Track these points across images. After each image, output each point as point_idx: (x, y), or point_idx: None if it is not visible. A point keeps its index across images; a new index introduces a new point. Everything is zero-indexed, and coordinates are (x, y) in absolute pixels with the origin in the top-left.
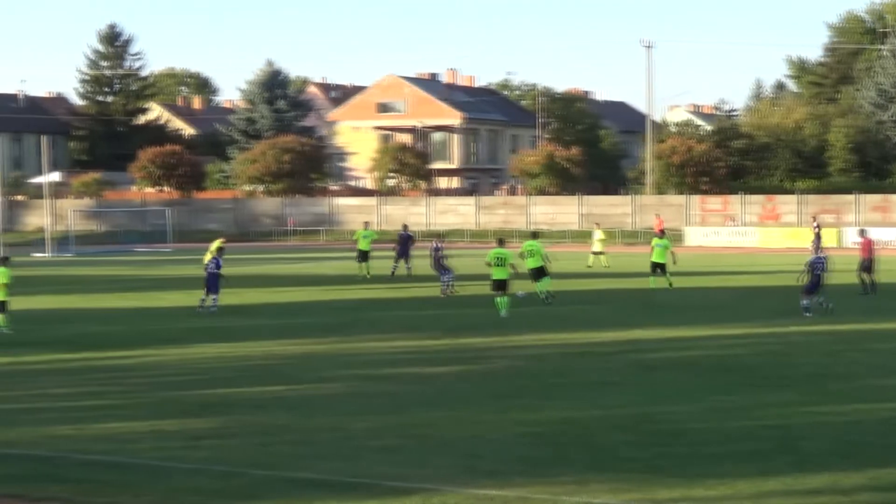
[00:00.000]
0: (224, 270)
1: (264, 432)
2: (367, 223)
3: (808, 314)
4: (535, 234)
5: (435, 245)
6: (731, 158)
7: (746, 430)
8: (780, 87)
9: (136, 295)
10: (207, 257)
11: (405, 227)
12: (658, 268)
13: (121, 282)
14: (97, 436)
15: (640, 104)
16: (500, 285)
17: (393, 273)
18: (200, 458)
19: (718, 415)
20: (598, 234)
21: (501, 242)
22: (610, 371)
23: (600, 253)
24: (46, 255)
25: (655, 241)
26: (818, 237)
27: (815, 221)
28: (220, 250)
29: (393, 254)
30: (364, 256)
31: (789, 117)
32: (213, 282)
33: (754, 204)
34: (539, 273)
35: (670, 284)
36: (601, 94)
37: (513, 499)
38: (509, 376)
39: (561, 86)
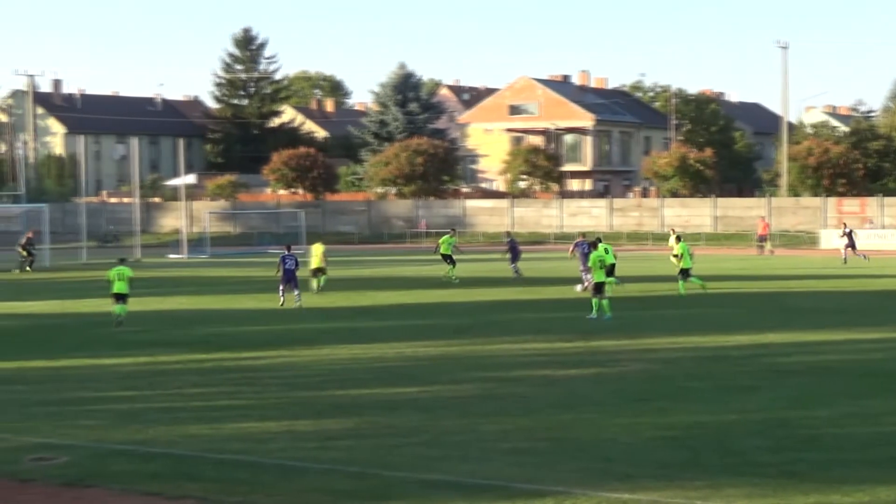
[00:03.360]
0: (352, 272)
1: (396, 433)
2: (452, 230)
3: None
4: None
5: (578, 242)
6: (869, 160)
7: (884, 436)
8: None
9: (270, 296)
10: (315, 262)
11: (509, 233)
12: (684, 273)
13: (254, 283)
14: (231, 435)
15: (774, 105)
16: (601, 288)
17: (518, 274)
18: (333, 459)
19: (855, 420)
20: (674, 239)
21: (596, 244)
22: (743, 375)
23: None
24: (182, 256)
25: (683, 246)
26: (850, 237)
27: (846, 227)
28: (288, 247)
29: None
30: (448, 259)
31: None
32: (291, 277)
33: (893, 206)
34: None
35: (703, 286)
36: (735, 95)
37: (645, 502)
38: (642, 379)
39: (694, 87)
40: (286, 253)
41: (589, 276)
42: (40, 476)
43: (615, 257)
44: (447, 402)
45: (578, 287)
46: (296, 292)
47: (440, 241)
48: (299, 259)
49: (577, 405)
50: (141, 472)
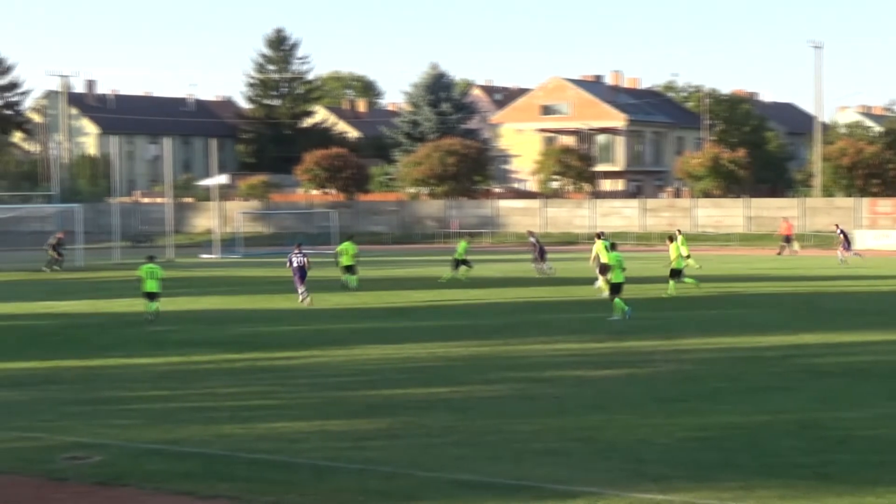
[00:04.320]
0: (384, 272)
1: (429, 434)
2: (467, 236)
3: None
4: (603, 236)
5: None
6: None
7: None
8: None
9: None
10: (345, 260)
11: (531, 232)
12: (676, 273)
13: (286, 283)
14: (264, 435)
15: (808, 105)
16: (619, 288)
17: (550, 271)
18: (365, 459)
19: (888, 421)
20: (680, 239)
21: (614, 246)
22: (777, 376)
23: (688, 256)
24: (214, 256)
25: (676, 246)
26: (845, 237)
27: (839, 228)
28: (298, 246)
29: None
30: (462, 263)
31: None
32: (303, 274)
33: None
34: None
35: (697, 285)
36: (768, 95)
37: (678, 503)
38: (675, 380)
39: (726, 87)
40: (295, 251)
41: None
42: (74, 475)
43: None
44: (479, 403)
45: (597, 283)
46: (302, 289)
47: (459, 246)
48: (310, 258)
49: (610, 406)
50: (174, 471)
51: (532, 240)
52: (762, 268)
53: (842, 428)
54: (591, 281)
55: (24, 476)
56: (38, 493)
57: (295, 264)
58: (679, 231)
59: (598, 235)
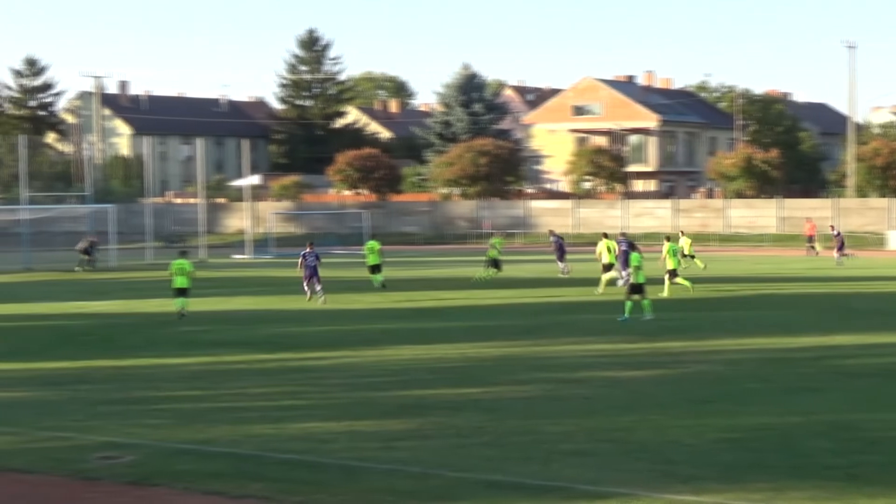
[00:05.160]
0: (415, 272)
1: (459, 434)
2: (499, 234)
3: None
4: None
5: (619, 240)
6: None
7: None
8: None
9: (332, 297)
10: (372, 259)
11: (553, 231)
12: (671, 273)
13: None
14: (295, 435)
15: (841, 106)
16: (638, 289)
17: (566, 271)
18: (396, 459)
19: None
20: (683, 240)
21: (633, 247)
22: (808, 377)
23: (692, 256)
24: (246, 256)
25: (671, 246)
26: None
27: (834, 230)
28: (311, 245)
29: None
30: (494, 264)
31: None
32: (314, 273)
33: None
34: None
35: (690, 288)
36: (801, 95)
37: None
38: (706, 381)
39: (759, 87)
40: (307, 250)
41: (626, 271)
42: (106, 474)
43: (616, 256)
44: (510, 403)
45: (620, 282)
46: (318, 287)
47: (492, 243)
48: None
49: (641, 407)
50: (204, 471)
51: (552, 239)
52: (794, 268)
53: (873, 429)
54: (614, 282)
55: (57, 475)
56: (71, 493)
57: (308, 262)
58: (682, 232)
59: (605, 235)
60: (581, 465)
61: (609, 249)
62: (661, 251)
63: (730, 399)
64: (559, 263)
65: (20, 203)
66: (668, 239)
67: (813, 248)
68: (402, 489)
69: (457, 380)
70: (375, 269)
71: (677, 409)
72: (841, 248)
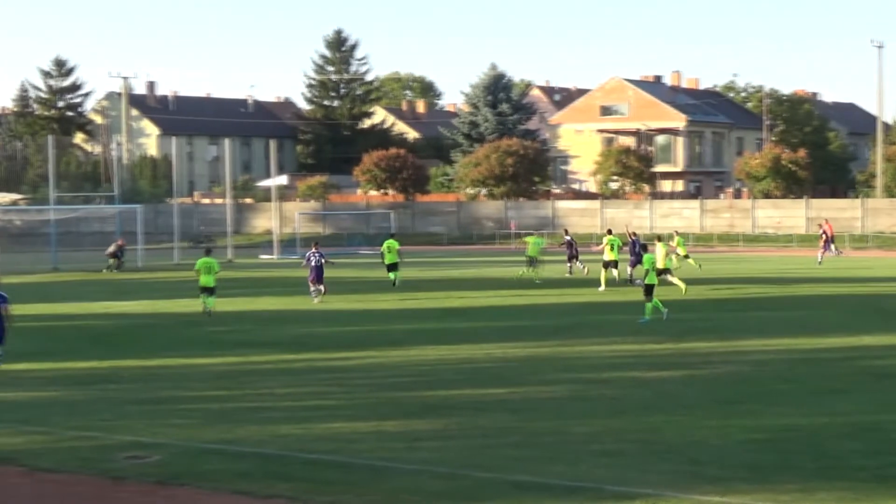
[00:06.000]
0: (441, 272)
1: (485, 434)
2: (539, 233)
3: None
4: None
5: (632, 239)
6: None
7: None
8: None
9: (359, 297)
10: (389, 257)
11: (567, 231)
12: (664, 273)
13: (344, 284)
14: (321, 435)
15: (870, 105)
16: (651, 290)
17: (573, 272)
18: (422, 460)
19: None
20: (677, 240)
21: (646, 248)
22: (837, 378)
23: (687, 256)
24: (273, 257)
25: (664, 246)
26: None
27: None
28: (315, 245)
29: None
30: (532, 262)
31: None
32: (319, 274)
33: None
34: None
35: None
36: (829, 95)
37: None
38: (733, 382)
39: (787, 87)
40: (312, 250)
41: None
42: (134, 474)
43: (619, 253)
44: (536, 404)
45: (638, 281)
46: (320, 287)
47: (530, 242)
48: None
49: (668, 407)
50: (231, 471)
51: (567, 238)
52: (822, 269)
53: None
54: (632, 281)
55: (85, 475)
56: (99, 492)
57: (312, 263)
58: (677, 232)
59: (609, 231)
60: (608, 466)
61: (612, 247)
62: (674, 251)
63: (757, 399)
64: (567, 263)
65: (48, 203)
66: (660, 239)
67: (833, 248)
68: (430, 489)
69: (482, 380)
70: (392, 267)
71: (704, 409)
72: (826, 247)
